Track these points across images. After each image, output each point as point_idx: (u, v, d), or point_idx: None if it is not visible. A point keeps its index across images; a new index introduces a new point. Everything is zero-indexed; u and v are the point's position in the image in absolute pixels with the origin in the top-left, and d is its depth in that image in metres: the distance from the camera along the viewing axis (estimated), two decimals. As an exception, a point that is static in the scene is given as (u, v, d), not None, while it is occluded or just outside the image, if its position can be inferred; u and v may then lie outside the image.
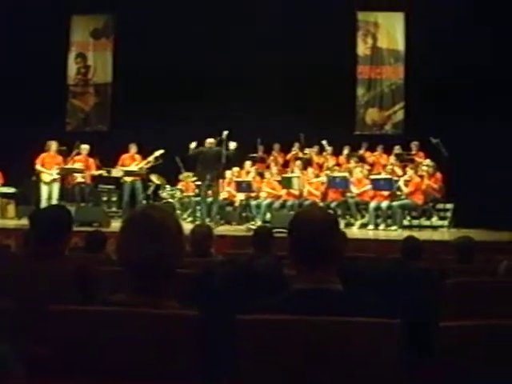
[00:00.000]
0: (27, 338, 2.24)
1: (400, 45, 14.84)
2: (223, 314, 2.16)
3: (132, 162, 12.33)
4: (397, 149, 13.33)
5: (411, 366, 2.15)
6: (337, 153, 13.83)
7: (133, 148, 12.42)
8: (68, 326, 2.03)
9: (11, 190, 13.01)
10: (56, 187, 11.79)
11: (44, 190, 11.67)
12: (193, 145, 11.22)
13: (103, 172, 12.90)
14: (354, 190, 12.09)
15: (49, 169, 11.75)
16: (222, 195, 12.86)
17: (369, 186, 12.00)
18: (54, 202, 11.45)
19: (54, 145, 11.93)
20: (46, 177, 11.70)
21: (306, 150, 13.72)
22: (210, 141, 11.19)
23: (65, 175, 12.19)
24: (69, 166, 12.18)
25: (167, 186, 13.54)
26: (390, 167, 12.57)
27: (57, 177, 11.78)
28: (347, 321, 2.01)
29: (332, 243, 2.19)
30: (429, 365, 2.16)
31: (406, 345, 1.98)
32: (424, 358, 2.19)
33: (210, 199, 11.34)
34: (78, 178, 12.48)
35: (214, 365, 2.03)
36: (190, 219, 12.53)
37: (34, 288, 3.25)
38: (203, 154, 11.12)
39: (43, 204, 11.23)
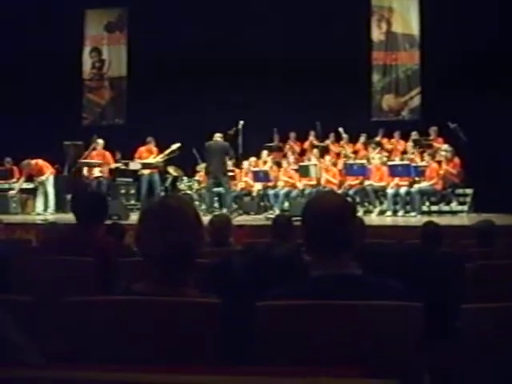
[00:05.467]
0: (48, 330, 2.26)
1: (415, 29, 14.67)
2: (243, 301, 2.16)
3: (149, 155, 12.38)
4: (414, 134, 13.21)
5: (433, 349, 2.14)
6: (353, 140, 13.75)
7: (150, 141, 12.49)
8: (89, 316, 2.05)
9: (30, 185, 13.09)
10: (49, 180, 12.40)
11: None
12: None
13: (120, 165, 12.96)
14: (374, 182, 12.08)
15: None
16: (239, 185, 12.87)
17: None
18: (51, 194, 12.29)
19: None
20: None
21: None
22: (217, 135, 11.37)
23: (78, 170, 12.65)
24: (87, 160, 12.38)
25: (184, 178, 13.55)
26: (408, 155, 12.49)
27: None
28: (368, 304, 2.00)
29: (346, 229, 2.14)
30: (449, 347, 2.15)
31: (428, 328, 1.97)
32: (445, 340, 2.18)
33: (217, 190, 11.76)
34: (96, 172, 12.62)
35: (234, 352, 2.03)
36: (208, 210, 12.53)
37: (56, 280, 3.30)
38: (210, 148, 11.30)
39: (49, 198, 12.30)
